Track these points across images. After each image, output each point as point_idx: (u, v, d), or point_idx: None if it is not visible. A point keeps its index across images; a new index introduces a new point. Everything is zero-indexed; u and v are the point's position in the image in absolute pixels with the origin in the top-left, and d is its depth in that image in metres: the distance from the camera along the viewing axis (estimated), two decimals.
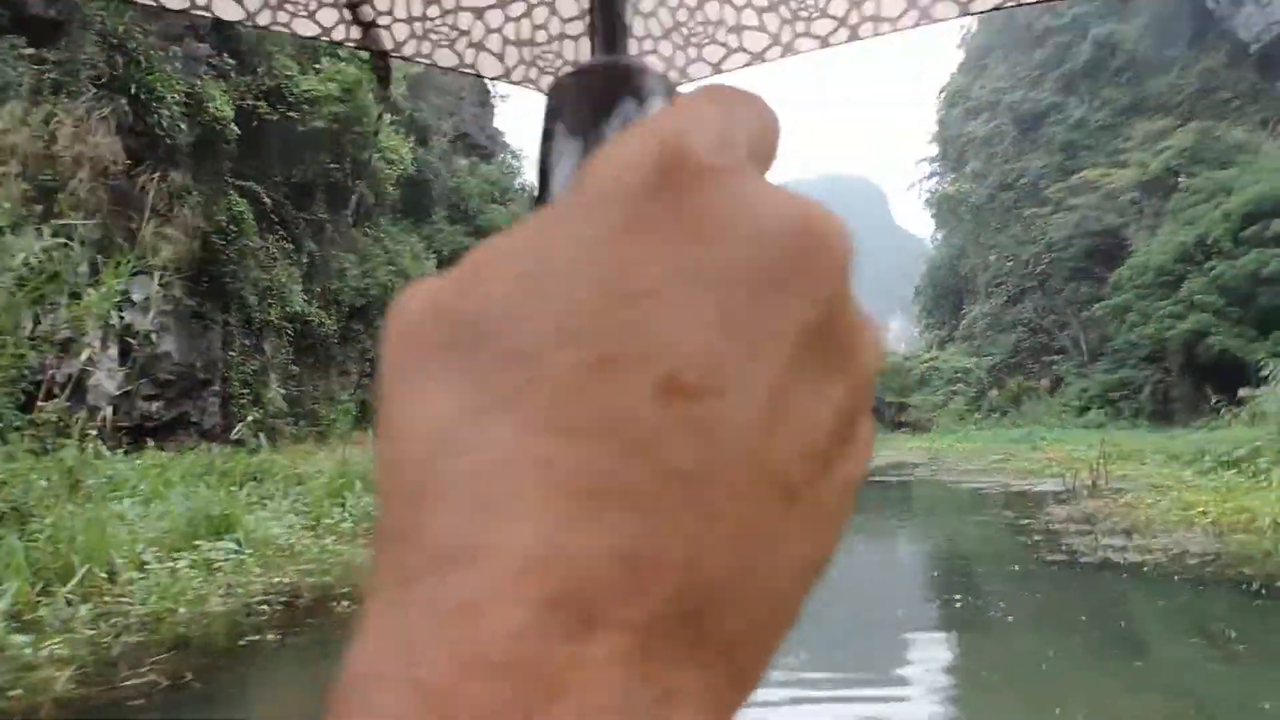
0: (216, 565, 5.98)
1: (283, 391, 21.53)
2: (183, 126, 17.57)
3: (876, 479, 18.70)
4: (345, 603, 5.31)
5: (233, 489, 8.31)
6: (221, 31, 19.90)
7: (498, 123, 43.72)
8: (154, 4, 1.36)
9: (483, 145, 38.51)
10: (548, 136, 0.25)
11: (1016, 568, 6.37)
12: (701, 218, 0.18)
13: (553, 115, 0.25)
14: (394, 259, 25.40)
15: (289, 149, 22.77)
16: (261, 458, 10.26)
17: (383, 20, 1.32)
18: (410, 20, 1.32)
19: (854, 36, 1.36)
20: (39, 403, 8.48)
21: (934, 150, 78.55)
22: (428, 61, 1.38)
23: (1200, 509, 8.31)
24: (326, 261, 23.69)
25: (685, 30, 1.34)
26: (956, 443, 38.56)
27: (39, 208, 10.93)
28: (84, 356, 10.80)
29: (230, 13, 1.27)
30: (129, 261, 10.41)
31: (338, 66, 21.73)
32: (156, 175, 15.46)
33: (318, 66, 21.83)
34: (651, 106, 0.25)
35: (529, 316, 0.17)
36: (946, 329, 68.62)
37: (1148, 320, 36.46)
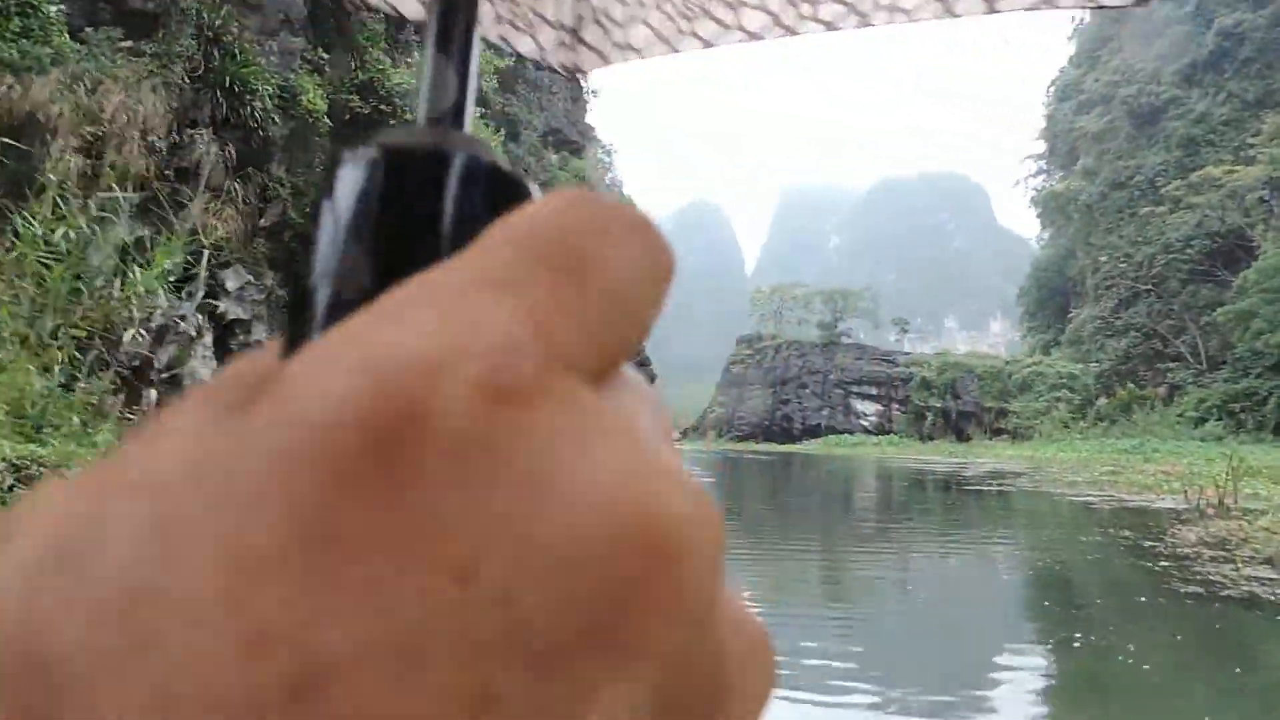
0: None
1: None
2: (276, 120, 17.92)
3: (973, 487, 17.75)
4: None
5: None
6: (317, 25, 20.31)
7: (589, 118, 43.77)
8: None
9: (574, 140, 38.56)
10: (316, 223, 0.17)
11: (1143, 599, 5.67)
12: (428, 522, 0.12)
13: (329, 194, 0.18)
14: None
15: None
16: None
17: None
18: None
19: (865, 23, 1.27)
20: (142, 391, 8.56)
21: (1041, 147, 75.52)
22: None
23: None
24: None
25: (679, 1, 1.28)
26: (1059, 452, 36.79)
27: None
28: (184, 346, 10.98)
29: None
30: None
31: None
32: (250, 169, 15.80)
33: (409, 60, 22.06)
34: (458, 230, 0.16)
35: (125, 682, 0.11)
36: (1051, 333, 65.80)
37: (1275, 328, 33.97)
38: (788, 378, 78.28)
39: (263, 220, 17.44)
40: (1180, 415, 44.63)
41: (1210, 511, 11.95)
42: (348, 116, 20.77)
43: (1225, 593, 5.82)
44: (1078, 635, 4.60)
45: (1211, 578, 6.33)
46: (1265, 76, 52.69)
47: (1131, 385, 49.89)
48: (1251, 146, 47.88)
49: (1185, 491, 14.04)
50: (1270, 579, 6.27)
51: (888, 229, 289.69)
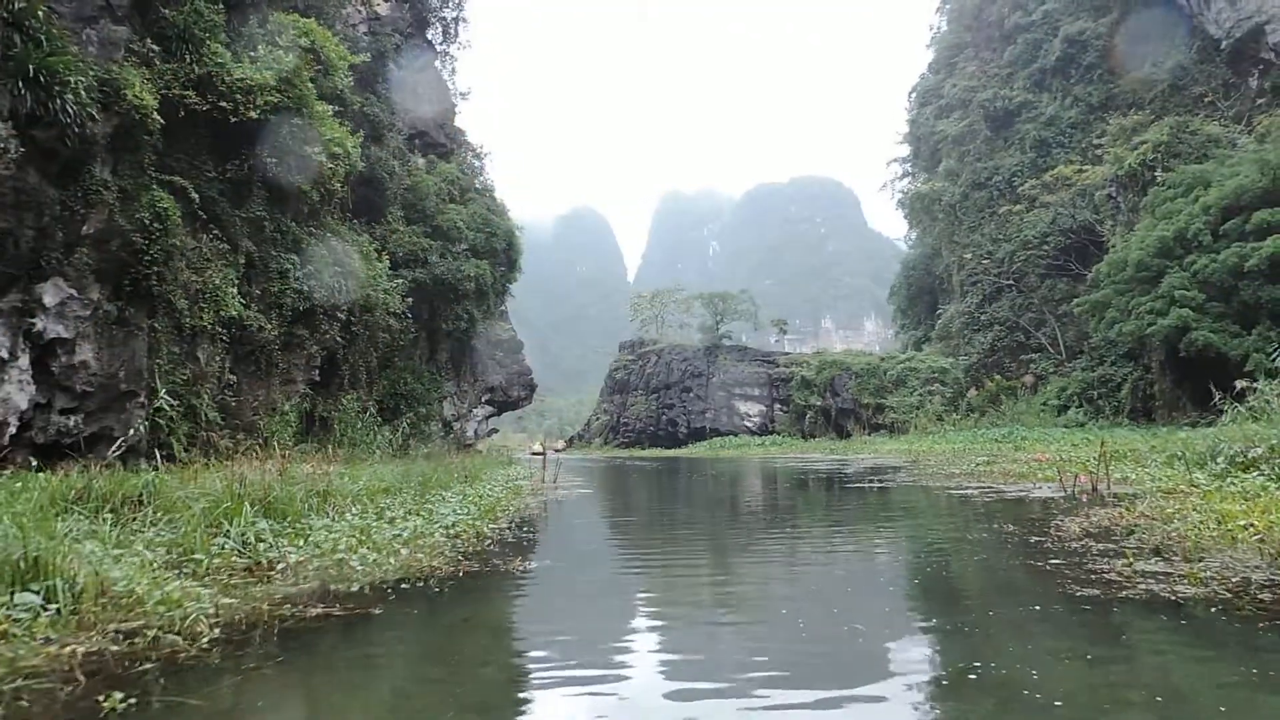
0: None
1: (219, 402, 19.95)
2: (95, 115, 15.97)
3: (854, 485, 17.42)
4: (165, 680, 3.90)
5: (95, 517, 6.90)
6: (145, 14, 18.42)
7: (459, 122, 42.29)
8: None
9: (441, 144, 37.06)
10: None
11: (1038, 607, 5.04)
12: None
13: None
14: (341, 260, 23.89)
15: (222, 142, 21.27)
16: (148, 478, 8.78)
17: None
18: None
19: None
20: None
21: (905, 150, 78.01)
22: None
23: (1239, 521, 7.08)
24: (266, 263, 22.19)
25: None
26: (935, 444, 37.57)
27: None
28: None
29: None
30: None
31: (274, 53, 20.26)
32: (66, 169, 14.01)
33: (252, 54, 20.38)
34: None
35: None
36: (922, 329, 67.94)
37: (1128, 316, 35.58)
38: (671, 382, 78.22)
39: (86, 228, 15.59)
40: (1044, 404, 46.49)
41: (1084, 498, 11.81)
42: (182, 114, 18.96)
43: (1123, 593, 5.26)
44: (975, 665, 3.85)
45: (1107, 576, 5.78)
46: (1108, 81, 55.67)
47: (999, 376, 51.78)
48: (1098, 147, 50.45)
49: (1060, 479, 14.00)
50: (1163, 573, 5.77)
51: (764, 234, 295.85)
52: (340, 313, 23.77)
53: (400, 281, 27.14)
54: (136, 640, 4.53)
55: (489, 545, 8.28)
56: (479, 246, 33.41)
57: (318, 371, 24.37)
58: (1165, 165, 41.71)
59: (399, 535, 7.76)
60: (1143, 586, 5.32)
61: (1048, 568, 6.14)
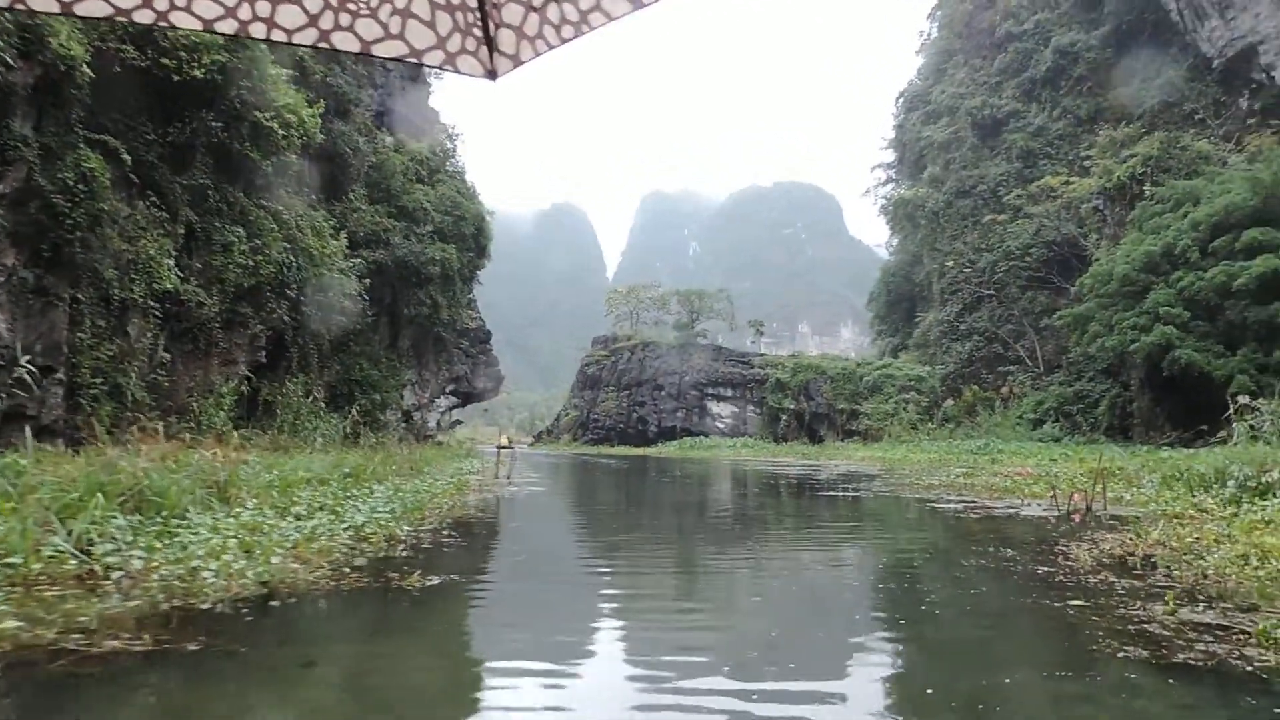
0: None
1: (149, 382, 18.43)
2: (11, 62, 14.48)
3: (827, 493, 16.22)
4: None
5: None
6: None
7: (433, 102, 40.81)
8: None
9: (412, 122, 35.54)
10: None
11: (1070, 673, 3.81)
12: None
13: None
14: (293, 235, 22.42)
15: (164, 103, 19.71)
16: (6, 461, 7.44)
17: None
18: None
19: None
20: None
21: (890, 156, 77.27)
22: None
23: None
24: (209, 234, 20.64)
25: None
26: (909, 453, 36.59)
27: None
28: None
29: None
30: None
31: None
32: None
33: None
34: None
35: None
36: (899, 336, 67.15)
37: (1110, 331, 34.75)
38: (643, 379, 76.94)
39: (0, 186, 14.12)
40: (1019, 417, 45.70)
41: (1076, 519, 10.71)
42: (118, 70, 17.46)
43: (1179, 657, 4.05)
44: None
45: (1148, 629, 4.54)
46: (1097, 94, 55.11)
47: (976, 387, 50.98)
48: (1087, 158, 49.80)
49: (1054, 496, 12.90)
50: (1219, 627, 4.56)
51: (744, 237, 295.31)
52: (289, 291, 22.28)
53: (358, 262, 25.68)
54: None
55: (400, 552, 6.99)
56: (446, 230, 31.97)
57: (264, 353, 22.89)
58: (1154, 180, 41.01)
59: (288, 538, 6.42)
60: (1201, 648, 4.13)
61: (1069, 613, 4.94)
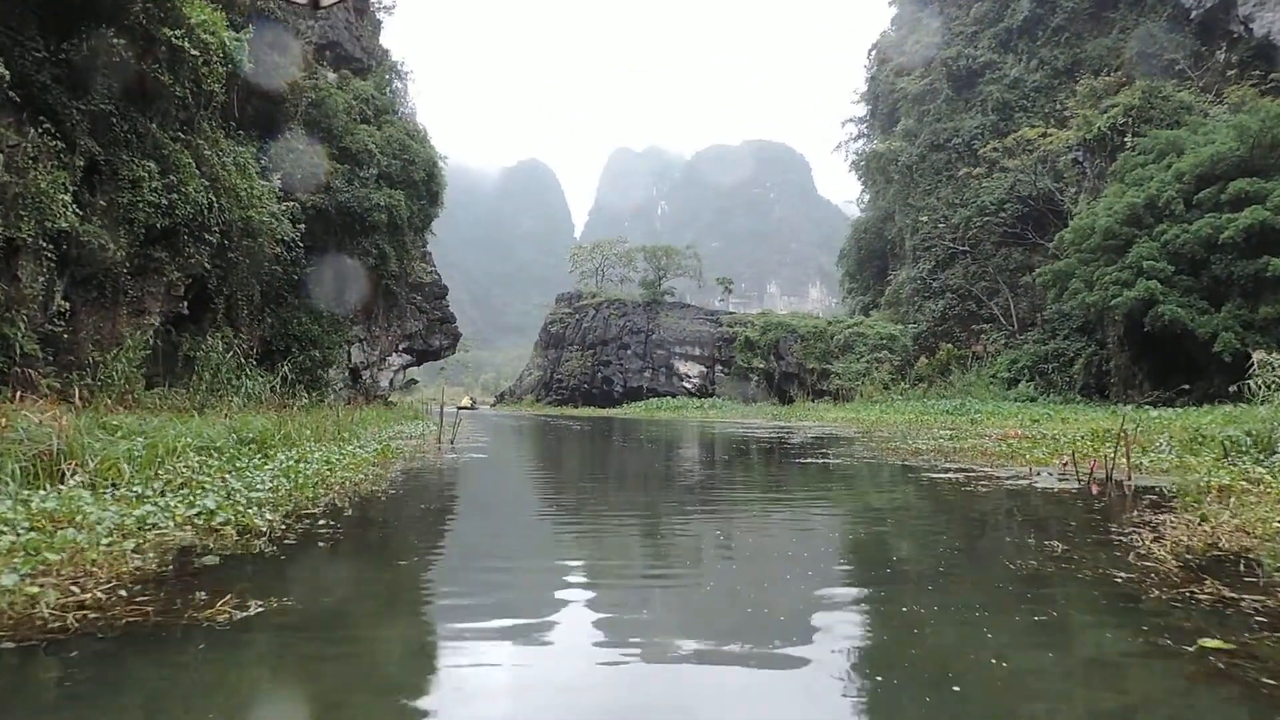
0: None
1: (43, 333, 16.28)
2: None
3: (803, 459, 14.57)
4: None
5: None
6: None
7: (384, 41, 38.15)
8: None
9: (357, 58, 32.99)
10: None
11: None
12: None
13: None
14: (215, 173, 20.17)
15: (58, 16, 17.33)
16: None
17: None
18: None
19: None
20: None
21: (862, 110, 75.35)
22: None
23: None
24: (115, 168, 18.30)
25: None
26: (885, 414, 35.21)
27: None
28: None
29: None
30: None
31: None
32: None
33: None
34: None
35: None
36: (870, 295, 65.82)
37: (1091, 287, 33.45)
38: (608, 338, 75.08)
39: None
40: (993, 376, 44.62)
41: (1095, 490, 9.19)
42: None
43: None
44: None
45: None
46: (1074, 45, 53.56)
47: (950, 345, 49.83)
48: (1064, 110, 48.33)
49: (1064, 464, 11.35)
50: None
51: (712, 196, 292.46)
52: (210, 235, 20.06)
53: (293, 205, 23.45)
54: None
55: (257, 547, 5.21)
56: (394, 175, 29.69)
57: (185, 304, 20.76)
58: (1136, 131, 39.58)
59: (75, 539, 4.57)
60: None
61: (1213, 662, 3.28)
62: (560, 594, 4.54)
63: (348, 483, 8.44)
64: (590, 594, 4.64)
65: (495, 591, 4.69)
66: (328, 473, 8.56)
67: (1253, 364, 15.76)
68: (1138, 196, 33.42)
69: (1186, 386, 30.91)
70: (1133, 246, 32.63)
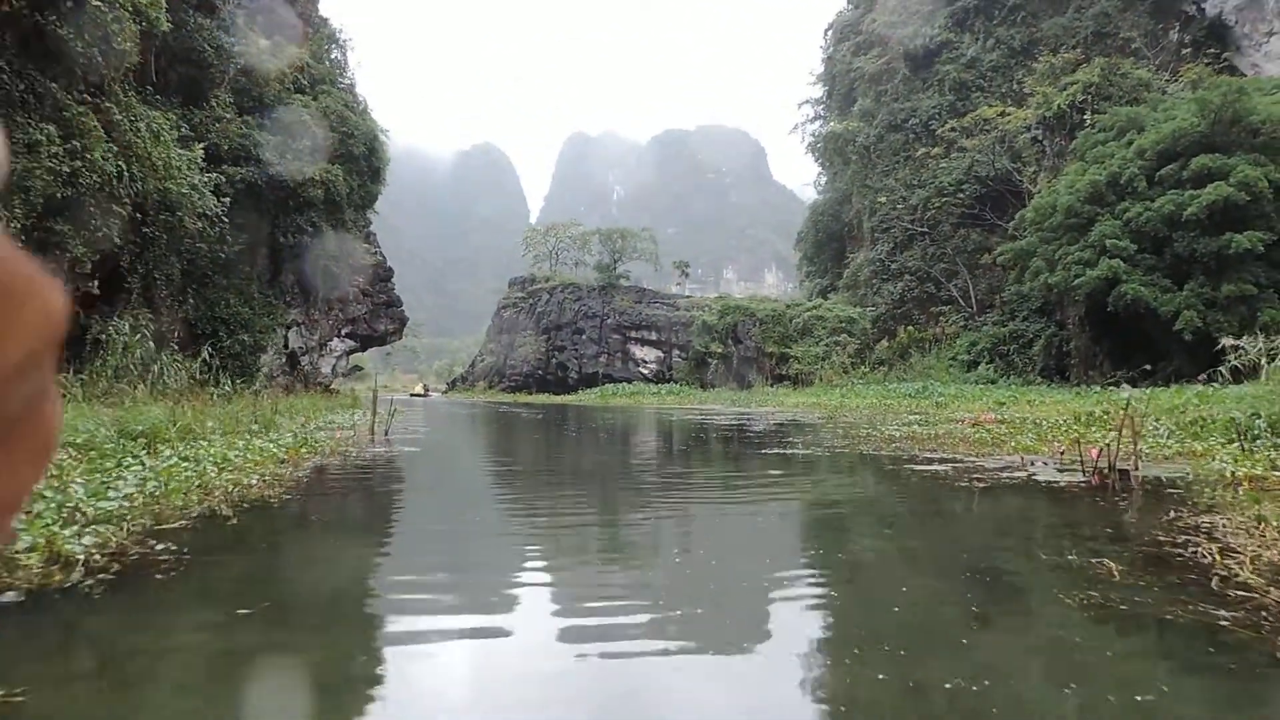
0: None
1: None
2: None
3: (768, 450, 13.35)
4: None
5: None
6: None
7: (322, 8, 36.16)
8: None
9: (292, 24, 31.09)
10: None
11: None
12: None
13: None
14: (126, 140, 18.39)
15: None
16: None
17: None
18: None
19: None
20: None
21: (819, 91, 74.39)
22: None
23: None
24: (8, 131, 16.36)
25: None
26: (846, 399, 34.36)
27: None
28: None
29: None
30: None
31: None
32: None
33: None
34: None
35: None
36: (828, 278, 65.08)
37: (1053, 268, 32.85)
38: (563, 322, 73.55)
39: None
40: (953, 358, 44.10)
41: (1096, 480, 8.15)
42: None
43: None
44: None
45: None
46: (1030, 24, 53.17)
47: (910, 328, 49.24)
48: (1021, 88, 47.84)
49: (1063, 454, 10.33)
50: None
51: (668, 181, 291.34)
52: (121, 207, 18.29)
53: (216, 177, 21.69)
54: None
55: (59, 586, 3.89)
56: (332, 148, 27.98)
57: (94, 283, 19.01)
58: (1095, 108, 39.10)
59: None
60: None
61: None
62: (464, 670, 3.24)
63: (236, 485, 7.05)
64: (514, 666, 3.33)
65: (362, 687, 3.23)
66: (214, 474, 7.16)
67: (1220, 347, 15.02)
68: (1099, 174, 32.85)
69: (1149, 367, 30.48)
70: (1095, 225, 32.05)
